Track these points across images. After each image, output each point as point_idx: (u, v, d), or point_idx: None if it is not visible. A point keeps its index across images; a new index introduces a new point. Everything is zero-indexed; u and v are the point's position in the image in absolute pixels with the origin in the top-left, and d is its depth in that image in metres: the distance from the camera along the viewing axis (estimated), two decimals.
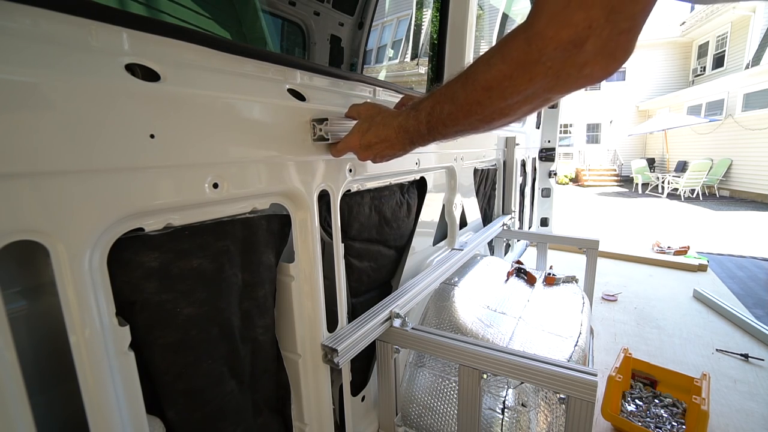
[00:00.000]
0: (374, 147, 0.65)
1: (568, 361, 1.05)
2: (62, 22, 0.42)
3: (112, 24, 0.46)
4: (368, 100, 0.67)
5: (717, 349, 1.81)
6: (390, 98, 1.05)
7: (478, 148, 1.61)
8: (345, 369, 0.86)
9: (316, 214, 0.73)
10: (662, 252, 3.27)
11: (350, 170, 0.80)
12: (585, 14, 0.36)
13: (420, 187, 1.18)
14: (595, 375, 0.68)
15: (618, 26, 0.36)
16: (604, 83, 13.30)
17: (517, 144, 2.03)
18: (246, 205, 0.62)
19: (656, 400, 1.44)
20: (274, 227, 0.67)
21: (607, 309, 2.26)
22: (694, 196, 9.12)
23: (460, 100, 0.50)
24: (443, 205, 1.37)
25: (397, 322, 0.89)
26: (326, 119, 0.65)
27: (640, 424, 1.30)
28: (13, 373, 0.37)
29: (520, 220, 2.33)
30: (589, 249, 1.73)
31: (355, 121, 0.69)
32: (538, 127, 2.76)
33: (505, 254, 2.31)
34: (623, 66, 0.58)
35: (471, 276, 1.40)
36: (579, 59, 0.38)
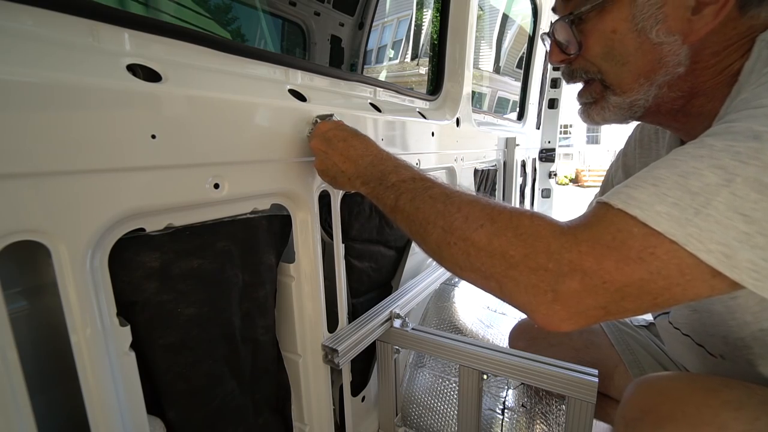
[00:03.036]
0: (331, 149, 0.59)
1: None
2: (63, 22, 0.42)
3: (114, 25, 0.47)
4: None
5: None
6: (390, 98, 1.05)
7: (478, 149, 1.61)
8: (345, 369, 0.86)
9: (317, 215, 0.73)
10: None
11: None
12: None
13: None
14: (595, 375, 0.68)
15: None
16: None
17: (518, 145, 2.03)
18: (247, 205, 0.62)
19: None
20: (275, 228, 0.67)
21: None
22: None
23: (432, 207, 0.47)
24: None
25: (397, 323, 0.89)
26: (331, 115, 0.65)
27: None
28: (14, 372, 0.37)
29: None
30: None
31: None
32: (538, 128, 2.77)
33: None
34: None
35: None
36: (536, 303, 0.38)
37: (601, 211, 0.37)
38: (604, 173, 0.87)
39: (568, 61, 0.55)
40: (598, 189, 0.88)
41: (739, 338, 0.55)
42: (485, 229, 0.41)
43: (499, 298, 0.43)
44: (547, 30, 0.57)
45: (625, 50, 0.49)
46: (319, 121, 0.66)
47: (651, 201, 0.34)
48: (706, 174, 0.33)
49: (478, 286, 0.44)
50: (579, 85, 0.58)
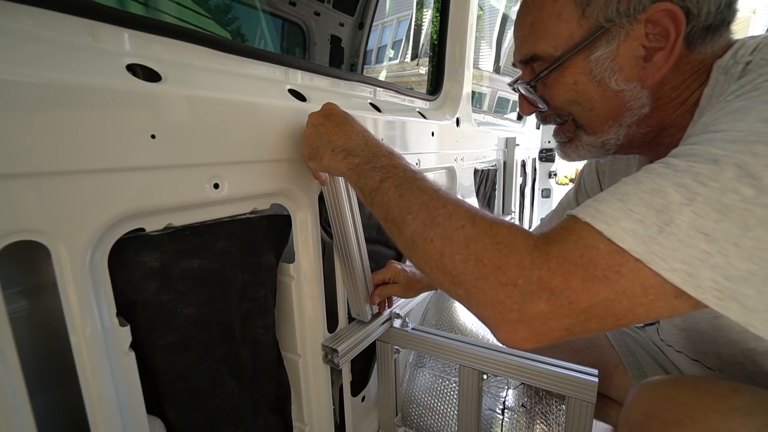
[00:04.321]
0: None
1: None
2: (63, 22, 0.42)
3: (114, 24, 0.47)
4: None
5: None
6: (390, 98, 1.05)
7: (478, 149, 1.61)
8: (345, 369, 0.86)
9: (317, 215, 0.73)
10: None
11: None
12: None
13: None
14: (595, 375, 0.68)
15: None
16: None
17: (518, 144, 2.03)
18: (247, 205, 0.62)
19: None
20: (275, 227, 0.67)
21: None
22: None
23: (411, 201, 0.45)
24: None
25: (397, 323, 0.89)
26: None
27: None
28: (14, 372, 0.37)
29: (520, 220, 2.33)
30: None
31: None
32: (538, 128, 2.76)
33: None
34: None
35: None
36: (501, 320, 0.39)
37: (570, 224, 0.38)
38: None
39: (539, 111, 0.58)
40: None
41: (731, 354, 0.55)
42: (465, 231, 0.40)
43: (463, 305, 0.42)
44: (515, 78, 0.59)
45: (589, 98, 0.51)
46: None
47: (617, 216, 0.34)
48: (670, 192, 0.33)
49: (443, 289, 0.43)
50: None
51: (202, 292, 0.56)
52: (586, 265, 0.34)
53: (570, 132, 0.56)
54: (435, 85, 1.38)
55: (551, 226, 0.88)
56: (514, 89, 0.59)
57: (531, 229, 0.68)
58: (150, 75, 0.47)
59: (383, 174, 0.50)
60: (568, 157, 0.59)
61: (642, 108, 0.50)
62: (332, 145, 0.56)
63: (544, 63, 0.51)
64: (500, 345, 1.08)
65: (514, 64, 0.58)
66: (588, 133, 0.54)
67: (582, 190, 0.84)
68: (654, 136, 0.54)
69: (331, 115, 0.59)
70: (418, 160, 1.07)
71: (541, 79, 0.52)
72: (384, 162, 0.51)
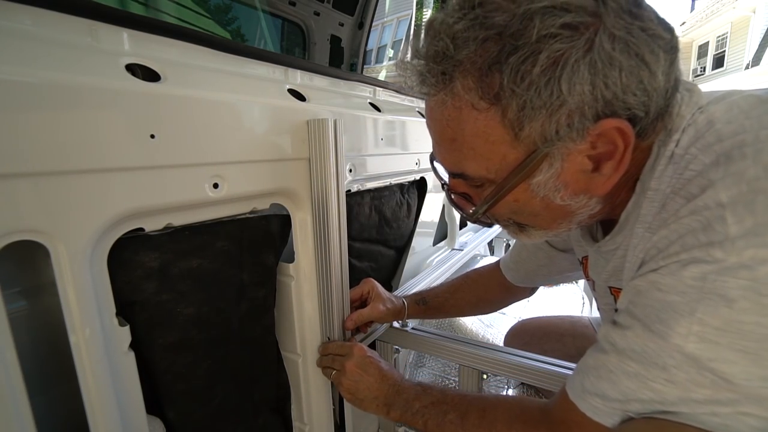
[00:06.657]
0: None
1: None
2: (62, 22, 0.42)
3: (113, 24, 0.47)
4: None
5: None
6: (390, 98, 1.05)
7: None
8: None
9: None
10: None
11: (350, 170, 0.80)
12: None
13: (420, 187, 1.18)
14: None
15: None
16: None
17: None
18: (246, 205, 0.62)
19: None
20: (275, 227, 0.67)
21: None
22: None
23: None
24: (443, 206, 1.37)
25: (397, 323, 0.89)
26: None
27: None
28: (13, 373, 0.37)
29: None
30: None
31: None
32: None
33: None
34: None
35: None
36: None
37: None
38: None
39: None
40: None
41: None
42: None
43: None
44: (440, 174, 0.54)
45: (532, 210, 0.47)
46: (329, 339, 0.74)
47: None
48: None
49: None
50: None
51: (202, 292, 0.56)
52: None
53: (516, 230, 0.53)
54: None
55: (520, 258, 0.83)
56: (447, 190, 0.53)
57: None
58: (149, 75, 0.47)
59: (423, 417, 0.62)
60: (521, 240, 0.56)
61: (593, 209, 0.47)
62: (377, 400, 0.67)
63: (475, 181, 0.47)
64: (500, 345, 1.09)
65: (433, 157, 0.52)
66: (537, 228, 0.51)
67: None
68: (605, 217, 0.52)
69: (367, 365, 0.68)
70: (418, 159, 1.07)
71: (481, 213, 0.48)
72: (416, 405, 0.63)
